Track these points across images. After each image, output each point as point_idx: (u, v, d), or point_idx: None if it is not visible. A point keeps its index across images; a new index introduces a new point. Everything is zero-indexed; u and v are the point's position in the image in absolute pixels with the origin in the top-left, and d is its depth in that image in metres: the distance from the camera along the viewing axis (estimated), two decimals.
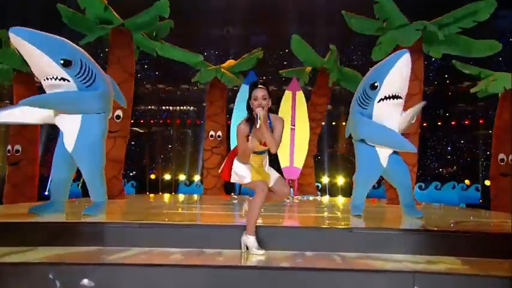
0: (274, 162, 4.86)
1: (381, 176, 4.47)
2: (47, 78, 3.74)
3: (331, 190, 12.23)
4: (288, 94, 8.00)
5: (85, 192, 4.53)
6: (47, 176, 4.20)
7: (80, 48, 3.99)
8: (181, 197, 9.19)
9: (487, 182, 11.22)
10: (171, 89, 14.37)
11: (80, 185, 9.90)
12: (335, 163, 13.03)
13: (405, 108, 4.19)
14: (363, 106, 4.15)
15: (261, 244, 3.06)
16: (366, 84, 4.13)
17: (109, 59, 7.06)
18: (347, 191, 12.28)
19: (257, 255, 2.96)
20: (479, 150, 13.50)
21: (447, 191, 9.62)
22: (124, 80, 6.72)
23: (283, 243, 3.16)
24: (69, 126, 3.90)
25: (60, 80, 3.72)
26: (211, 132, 9.28)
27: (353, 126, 4.26)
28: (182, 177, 12.52)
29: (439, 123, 13.94)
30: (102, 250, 3.12)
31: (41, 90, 4.02)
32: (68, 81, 3.74)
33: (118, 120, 6.90)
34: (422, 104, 4.29)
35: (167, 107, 14.42)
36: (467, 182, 10.77)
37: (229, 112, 10.02)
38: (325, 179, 12.34)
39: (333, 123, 13.96)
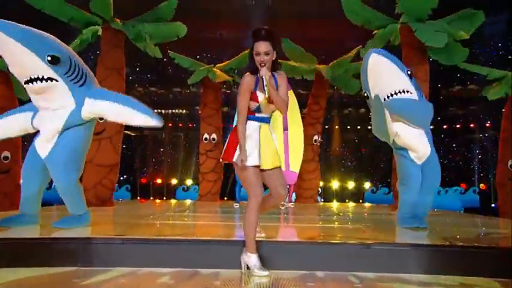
0: None
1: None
2: (31, 81, 3.14)
3: (326, 194, 11.80)
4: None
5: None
6: None
7: (67, 46, 3.45)
8: (174, 203, 8.61)
9: (482, 186, 10.93)
10: (163, 92, 13.83)
11: None
12: (329, 167, 12.58)
13: None
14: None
15: (265, 263, 2.54)
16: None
17: (98, 57, 6.52)
18: (341, 196, 11.88)
19: (260, 277, 2.45)
20: (471, 154, 13.27)
21: (444, 195, 9.22)
22: (110, 76, 6.18)
23: (290, 262, 2.65)
24: (49, 128, 3.34)
25: (46, 80, 3.15)
26: (206, 135, 8.80)
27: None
28: (181, 182, 12.03)
29: (432, 127, 13.65)
30: (77, 272, 2.57)
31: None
32: (56, 80, 3.18)
33: (101, 121, 6.31)
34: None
35: (160, 110, 13.86)
36: (462, 185, 10.42)
37: (224, 115, 9.52)
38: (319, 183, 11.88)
39: (326, 126, 13.56)
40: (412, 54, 6.43)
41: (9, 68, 3.25)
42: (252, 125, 2.55)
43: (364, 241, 2.80)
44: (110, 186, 6.54)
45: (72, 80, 3.26)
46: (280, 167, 2.62)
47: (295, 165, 6.37)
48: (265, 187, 2.59)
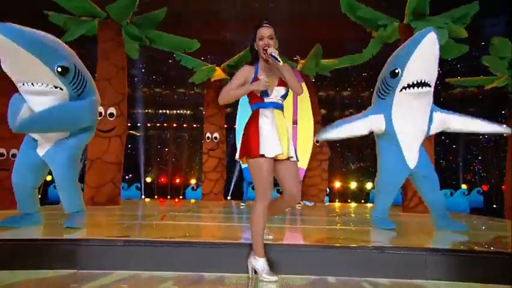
0: None
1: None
2: (33, 84, 2.93)
3: (329, 195, 11.60)
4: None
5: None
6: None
7: (72, 51, 3.23)
8: (180, 202, 8.42)
9: (484, 187, 10.71)
10: (168, 93, 13.68)
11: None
12: (332, 168, 12.40)
13: None
14: (382, 96, 3.46)
15: (273, 267, 2.34)
16: (387, 72, 3.41)
17: (98, 55, 6.32)
18: (345, 197, 11.67)
19: (268, 282, 2.25)
20: (471, 155, 13.06)
21: (450, 197, 8.98)
22: (115, 75, 6.00)
23: (300, 267, 2.43)
24: (53, 135, 3.19)
25: (51, 87, 2.97)
26: (208, 134, 8.66)
27: None
28: (191, 181, 11.87)
29: None
30: (75, 275, 2.37)
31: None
32: (61, 89, 3.01)
33: (111, 119, 6.14)
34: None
35: (164, 111, 13.71)
36: (464, 186, 10.20)
37: (227, 116, 9.35)
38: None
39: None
40: None
41: (4, 68, 2.93)
42: (264, 112, 2.34)
43: (377, 245, 2.58)
44: (117, 185, 6.42)
45: (74, 88, 3.09)
46: (295, 163, 2.40)
47: (303, 162, 6.09)
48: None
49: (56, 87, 2.98)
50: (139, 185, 10.99)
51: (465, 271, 2.36)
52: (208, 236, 3.27)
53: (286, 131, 2.37)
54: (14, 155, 6.73)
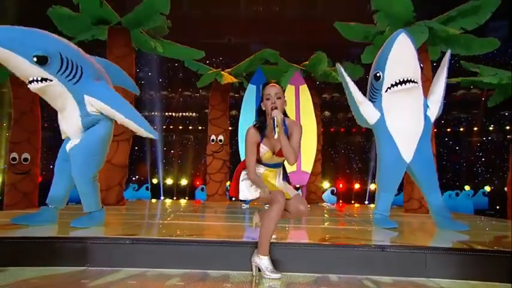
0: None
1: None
2: (30, 81, 2.94)
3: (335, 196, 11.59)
4: (290, 89, 6.61)
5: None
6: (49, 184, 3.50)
7: (61, 39, 3.11)
8: (185, 203, 8.47)
9: (487, 188, 10.63)
10: (174, 96, 13.77)
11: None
12: (335, 169, 12.38)
13: None
14: (372, 99, 3.69)
15: (276, 266, 2.37)
16: (371, 76, 3.66)
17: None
18: (346, 198, 11.64)
19: (272, 280, 2.28)
20: (474, 156, 12.98)
21: (455, 198, 8.93)
22: None
23: (302, 265, 2.46)
24: (67, 129, 3.26)
25: (42, 81, 2.91)
26: (213, 137, 8.71)
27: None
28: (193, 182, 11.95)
29: (435, 130, 13.39)
30: (85, 272, 2.42)
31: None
32: (51, 80, 2.93)
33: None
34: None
35: (176, 114, 13.81)
36: (467, 187, 10.13)
37: (232, 118, 9.42)
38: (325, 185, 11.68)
39: (331, 129, 13.38)
40: None
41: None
42: (258, 168, 2.41)
43: (379, 243, 2.60)
44: (123, 186, 6.55)
45: (67, 77, 2.97)
46: (294, 192, 2.45)
47: (307, 166, 6.12)
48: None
49: (46, 80, 2.90)
50: (149, 186, 11.07)
51: (465, 269, 2.37)
52: (213, 234, 3.31)
53: (276, 184, 2.42)
54: (25, 159, 6.84)
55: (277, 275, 2.30)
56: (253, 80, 6.76)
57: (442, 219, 3.60)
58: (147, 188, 10.84)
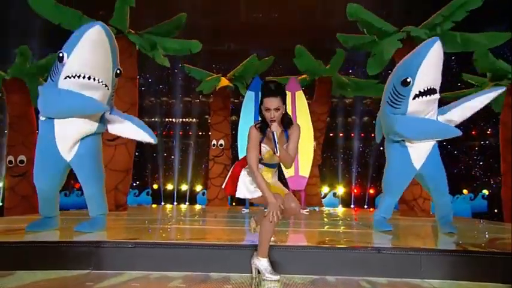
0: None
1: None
2: (94, 79, 3.10)
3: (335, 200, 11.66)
4: (286, 95, 6.88)
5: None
6: None
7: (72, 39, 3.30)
8: (185, 208, 8.52)
9: (485, 191, 10.68)
10: (174, 102, 13.89)
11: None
12: (336, 173, 12.46)
13: None
14: (394, 106, 3.50)
15: (275, 267, 2.44)
16: (396, 81, 3.47)
17: None
18: (348, 202, 11.69)
19: (271, 281, 2.34)
20: (472, 160, 13.04)
21: (455, 201, 8.99)
22: (122, 85, 6.15)
23: (300, 266, 2.53)
24: (78, 131, 3.25)
25: (104, 85, 3.18)
26: (214, 141, 8.79)
27: (387, 127, 3.65)
28: (198, 187, 12.01)
29: None
30: (89, 275, 2.48)
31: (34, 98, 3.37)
32: (108, 89, 3.24)
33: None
34: (500, 90, 3.59)
35: (176, 120, 13.90)
36: (465, 191, 10.19)
37: (232, 124, 9.49)
38: (325, 189, 11.74)
39: (331, 134, 13.47)
40: None
41: (72, 61, 3.02)
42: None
43: (375, 245, 2.67)
44: (124, 191, 6.51)
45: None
46: (285, 190, 2.53)
47: (305, 170, 6.18)
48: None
49: (106, 86, 3.21)
50: (150, 191, 11.15)
51: (458, 270, 2.43)
52: (214, 238, 3.38)
53: (273, 183, 2.51)
54: (21, 161, 6.92)
55: (276, 277, 2.37)
56: (251, 86, 6.85)
57: (445, 224, 3.65)
58: (147, 193, 10.92)
